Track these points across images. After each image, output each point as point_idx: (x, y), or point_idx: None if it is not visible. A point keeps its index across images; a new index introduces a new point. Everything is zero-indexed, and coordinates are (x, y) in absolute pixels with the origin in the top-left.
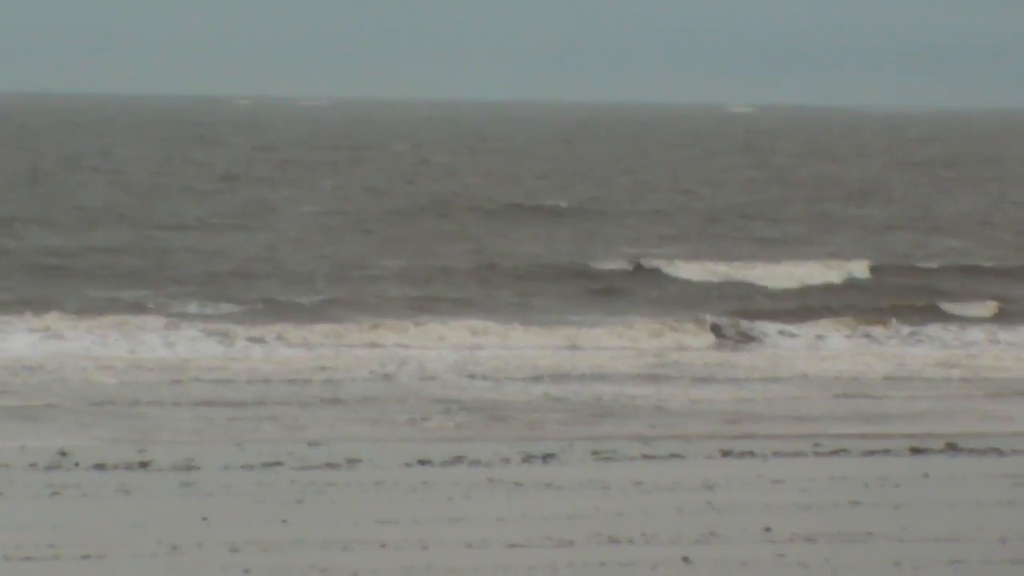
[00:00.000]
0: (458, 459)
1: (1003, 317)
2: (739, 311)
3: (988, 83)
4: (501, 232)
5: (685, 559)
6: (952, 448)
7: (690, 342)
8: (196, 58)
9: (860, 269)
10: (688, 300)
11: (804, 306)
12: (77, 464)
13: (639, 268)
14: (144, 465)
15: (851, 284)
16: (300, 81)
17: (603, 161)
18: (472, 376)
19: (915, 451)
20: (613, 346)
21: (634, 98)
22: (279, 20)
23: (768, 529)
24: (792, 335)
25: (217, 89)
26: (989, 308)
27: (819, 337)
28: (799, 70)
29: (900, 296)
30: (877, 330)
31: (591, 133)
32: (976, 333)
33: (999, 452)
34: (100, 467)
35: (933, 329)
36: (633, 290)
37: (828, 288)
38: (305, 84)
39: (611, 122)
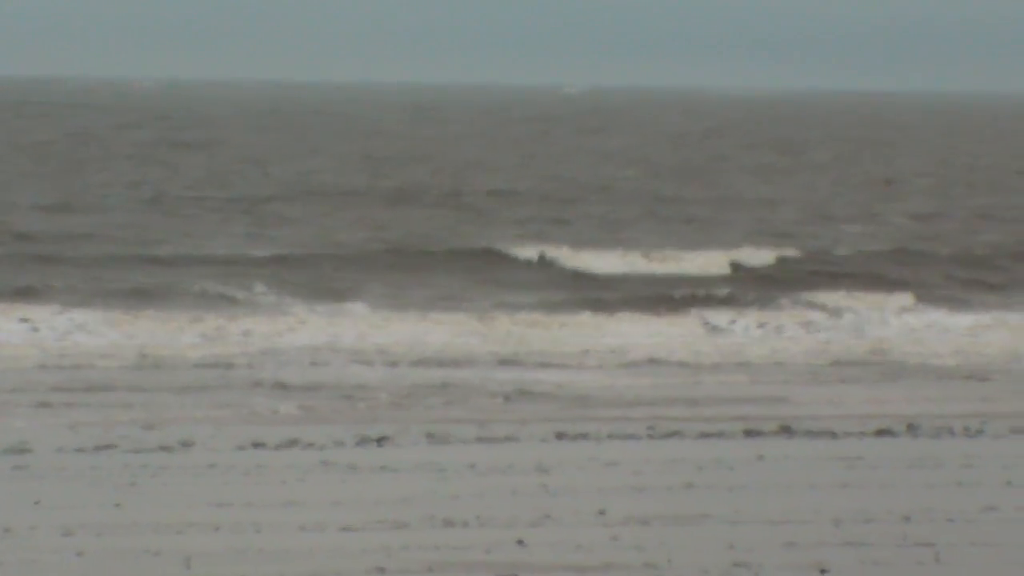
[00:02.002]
0: (292, 442)
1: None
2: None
3: (828, 65)
4: (365, 216)
5: (519, 542)
6: (786, 430)
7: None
8: (21, 37)
9: (763, 257)
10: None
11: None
12: None
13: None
14: None
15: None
16: (130, 61)
17: (443, 143)
18: (319, 362)
19: (749, 433)
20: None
21: (472, 80)
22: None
23: (602, 512)
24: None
25: (44, 70)
26: (902, 299)
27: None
28: (638, 51)
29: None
30: (762, 317)
31: (430, 115)
32: (850, 320)
33: (833, 434)
34: None
35: (811, 316)
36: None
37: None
38: (136, 65)
39: (449, 104)
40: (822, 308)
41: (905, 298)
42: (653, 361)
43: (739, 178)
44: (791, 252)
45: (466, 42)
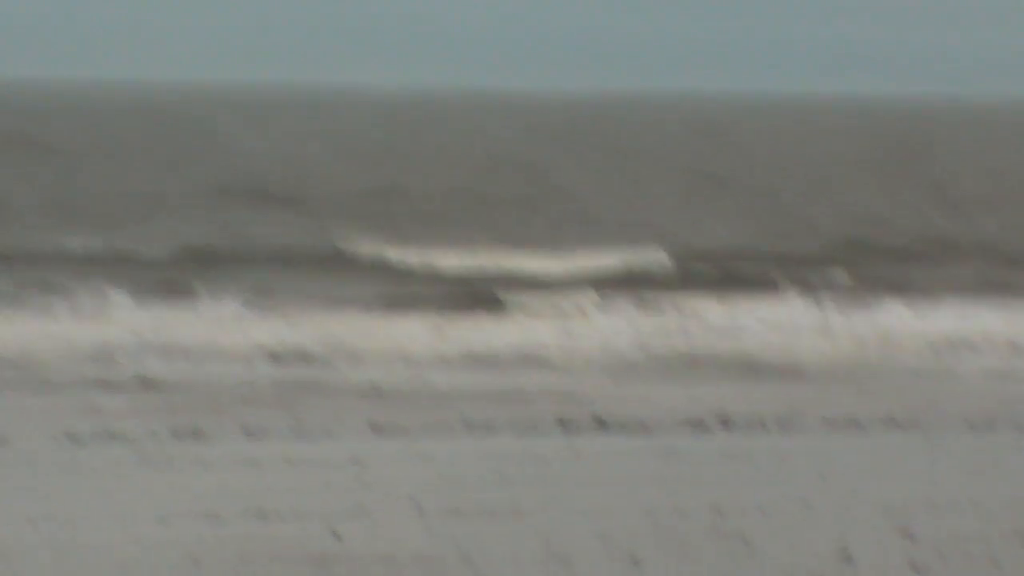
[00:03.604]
0: (109, 436)
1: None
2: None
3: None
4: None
5: (334, 534)
6: (600, 424)
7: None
8: None
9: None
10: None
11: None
12: None
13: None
14: None
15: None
16: None
17: (278, 142)
18: (138, 358)
19: (564, 427)
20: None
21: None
22: None
23: (417, 504)
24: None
25: None
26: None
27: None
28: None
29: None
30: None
31: (274, 115)
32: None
33: (647, 428)
34: None
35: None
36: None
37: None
38: None
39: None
40: (654, 306)
41: (736, 296)
42: (470, 357)
43: (571, 178)
44: (626, 250)
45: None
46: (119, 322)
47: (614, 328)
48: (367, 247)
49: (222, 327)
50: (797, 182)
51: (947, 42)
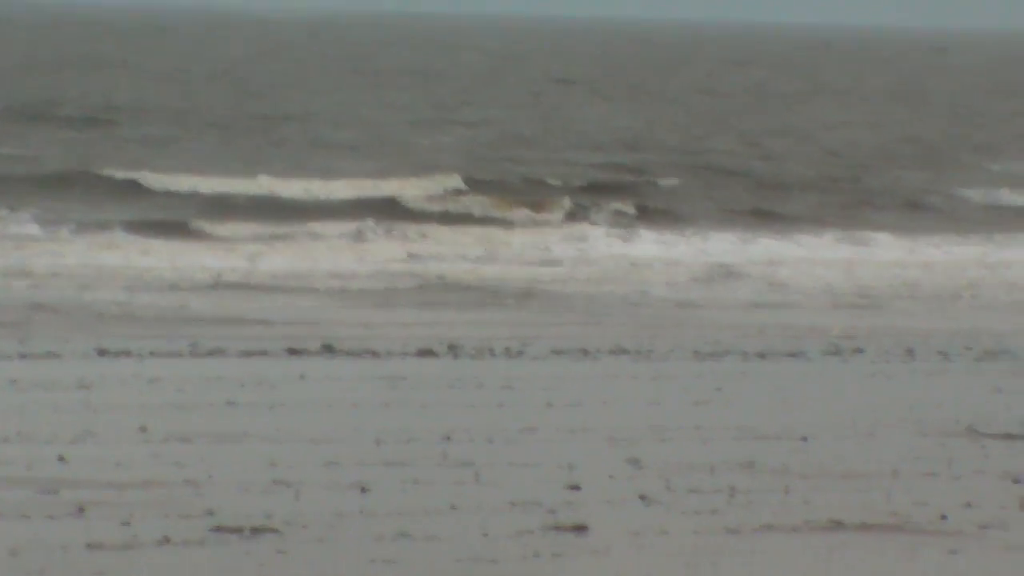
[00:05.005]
0: None
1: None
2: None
3: None
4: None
5: (60, 458)
6: (328, 349)
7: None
8: None
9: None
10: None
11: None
12: None
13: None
14: None
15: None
16: None
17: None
18: None
19: (292, 352)
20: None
21: None
22: None
23: (144, 429)
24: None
25: None
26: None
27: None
28: None
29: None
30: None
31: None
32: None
33: (375, 354)
34: None
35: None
36: None
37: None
38: None
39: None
40: (400, 234)
41: (495, 225)
42: (203, 281)
43: (302, 96)
44: (365, 176)
45: None
46: None
47: (353, 255)
48: (109, 168)
49: None
50: (566, 107)
51: None
